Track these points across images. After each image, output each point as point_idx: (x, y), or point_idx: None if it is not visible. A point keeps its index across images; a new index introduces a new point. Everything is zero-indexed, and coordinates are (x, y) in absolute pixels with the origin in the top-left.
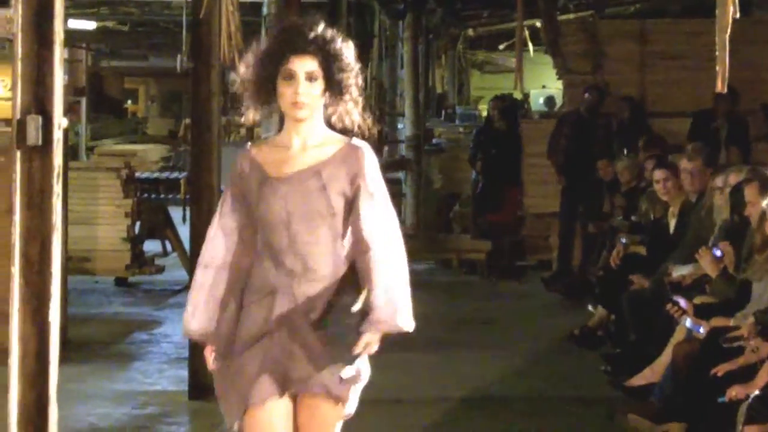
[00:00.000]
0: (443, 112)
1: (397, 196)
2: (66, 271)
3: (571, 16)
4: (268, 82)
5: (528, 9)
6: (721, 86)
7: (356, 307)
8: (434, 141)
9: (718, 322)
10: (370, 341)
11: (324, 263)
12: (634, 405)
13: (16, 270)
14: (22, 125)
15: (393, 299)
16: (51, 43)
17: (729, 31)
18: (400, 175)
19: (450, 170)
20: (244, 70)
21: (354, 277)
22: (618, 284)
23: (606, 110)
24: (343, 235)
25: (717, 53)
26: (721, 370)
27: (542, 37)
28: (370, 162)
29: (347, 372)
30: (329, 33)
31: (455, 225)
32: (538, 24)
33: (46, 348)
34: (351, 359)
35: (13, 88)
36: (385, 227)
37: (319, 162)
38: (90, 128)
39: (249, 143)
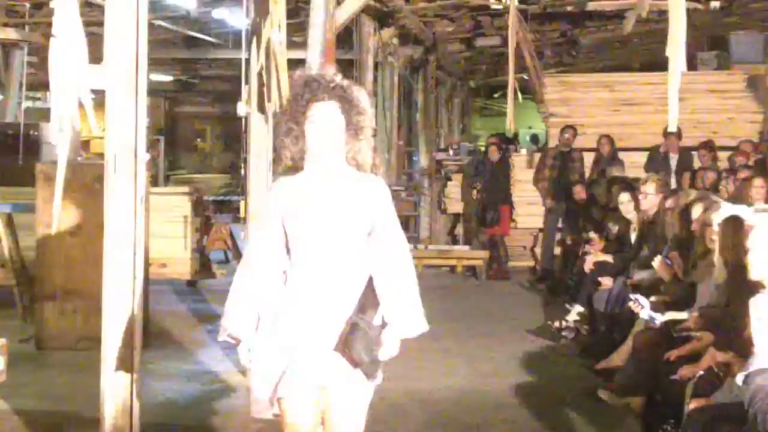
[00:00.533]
0: (450, 147)
1: (413, 215)
2: (147, 274)
3: (553, 70)
4: (295, 126)
5: (518, 65)
6: (671, 126)
7: (378, 321)
8: (443, 170)
9: (671, 315)
10: (392, 347)
11: (347, 277)
12: (603, 381)
13: (108, 274)
14: (112, 159)
15: (408, 312)
16: (135, 93)
17: (679, 81)
18: (416, 198)
19: (455, 195)
20: (276, 120)
21: (374, 294)
22: (590, 285)
23: (584, 146)
24: (362, 255)
25: (669, 100)
26: (673, 354)
27: (529, 87)
28: (386, 191)
29: (366, 372)
30: (346, 82)
31: (460, 237)
32: (526, 77)
33: (131, 336)
34: (372, 362)
35: (107, 130)
36: (398, 251)
37: (343, 193)
38: (167, 161)
39: (284, 175)
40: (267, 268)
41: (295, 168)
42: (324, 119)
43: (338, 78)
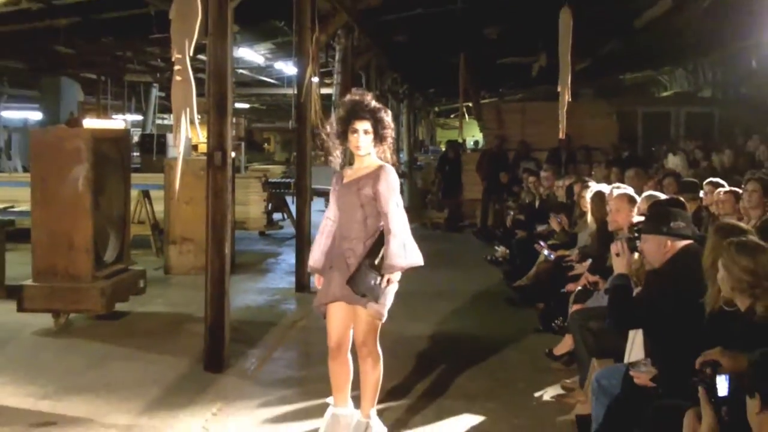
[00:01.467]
0: (422, 149)
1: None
2: (233, 228)
3: (487, 100)
4: (343, 135)
5: (465, 97)
6: (562, 135)
7: (376, 261)
8: (418, 163)
9: (561, 253)
10: (390, 277)
11: (356, 231)
12: (517, 294)
13: (209, 228)
14: (211, 156)
15: (401, 251)
16: (226, 116)
17: (566, 107)
18: (402, 180)
19: (426, 178)
20: (329, 128)
21: (379, 247)
22: (510, 235)
23: (508, 147)
24: (374, 216)
25: (560, 118)
26: (568, 273)
27: (472, 111)
28: (388, 174)
29: (372, 296)
30: (378, 105)
31: (429, 205)
32: (470, 104)
33: (223, 267)
34: (373, 290)
35: (207, 137)
36: (394, 210)
37: (360, 176)
38: (246, 157)
39: (343, 167)
40: (330, 230)
41: (326, 159)
42: (362, 131)
43: (373, 102)
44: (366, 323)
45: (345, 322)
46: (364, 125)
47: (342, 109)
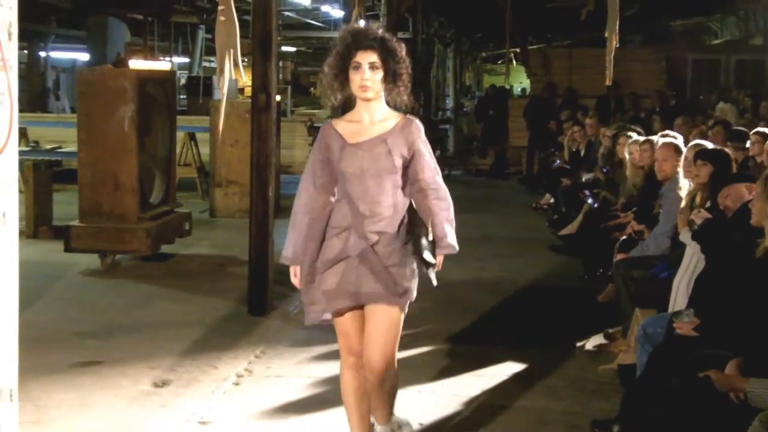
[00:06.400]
0: (468, 95)
1: (444, 137)
2: (278, 171)
3: (534, 46)
4: (341, 73)
5: (512, 43)
6: (608, 81)
7: (430, 237)
8: (464, 109)
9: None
10: (441, 258)
11: (386, 208)
12: (563, 243)
13: (253, 170)
14: (256, 98)
15: (450, 231)
16: (270, 57)
17: (613, 53)
18: (447, 126)
19: (472, 124)
20: (325, 68)
21: (417, 215)
22: (556, 181)
23: (556, 94)
24: (402, 186)
25: (607, 65)
26: (608, 224)
27: (519, 57)
28: (421, 130)
29: (405, 285)
30: (387, 34)
31: (474, 151)
32: (518, 50)
33: (266, 210)
34: (411, 276)
35: (252, 80)
36: (436, 176)
37: (384, 132)
38: (292, 101)
39: (333, 117)
40: (316, 208)
41: (344, 110)
42: (365, 65)
43: (380, 31)
44: (397, 323)
45: (362, 322)
46: (369, 57)
47: (339, 43)
